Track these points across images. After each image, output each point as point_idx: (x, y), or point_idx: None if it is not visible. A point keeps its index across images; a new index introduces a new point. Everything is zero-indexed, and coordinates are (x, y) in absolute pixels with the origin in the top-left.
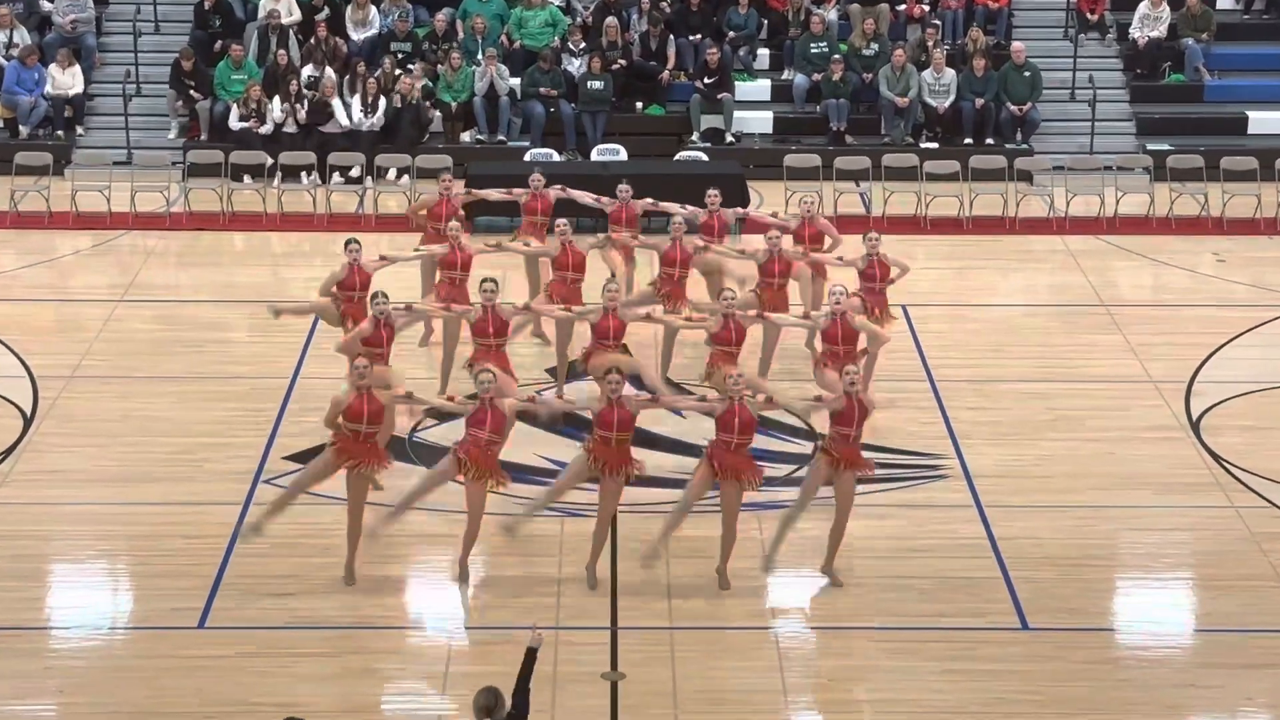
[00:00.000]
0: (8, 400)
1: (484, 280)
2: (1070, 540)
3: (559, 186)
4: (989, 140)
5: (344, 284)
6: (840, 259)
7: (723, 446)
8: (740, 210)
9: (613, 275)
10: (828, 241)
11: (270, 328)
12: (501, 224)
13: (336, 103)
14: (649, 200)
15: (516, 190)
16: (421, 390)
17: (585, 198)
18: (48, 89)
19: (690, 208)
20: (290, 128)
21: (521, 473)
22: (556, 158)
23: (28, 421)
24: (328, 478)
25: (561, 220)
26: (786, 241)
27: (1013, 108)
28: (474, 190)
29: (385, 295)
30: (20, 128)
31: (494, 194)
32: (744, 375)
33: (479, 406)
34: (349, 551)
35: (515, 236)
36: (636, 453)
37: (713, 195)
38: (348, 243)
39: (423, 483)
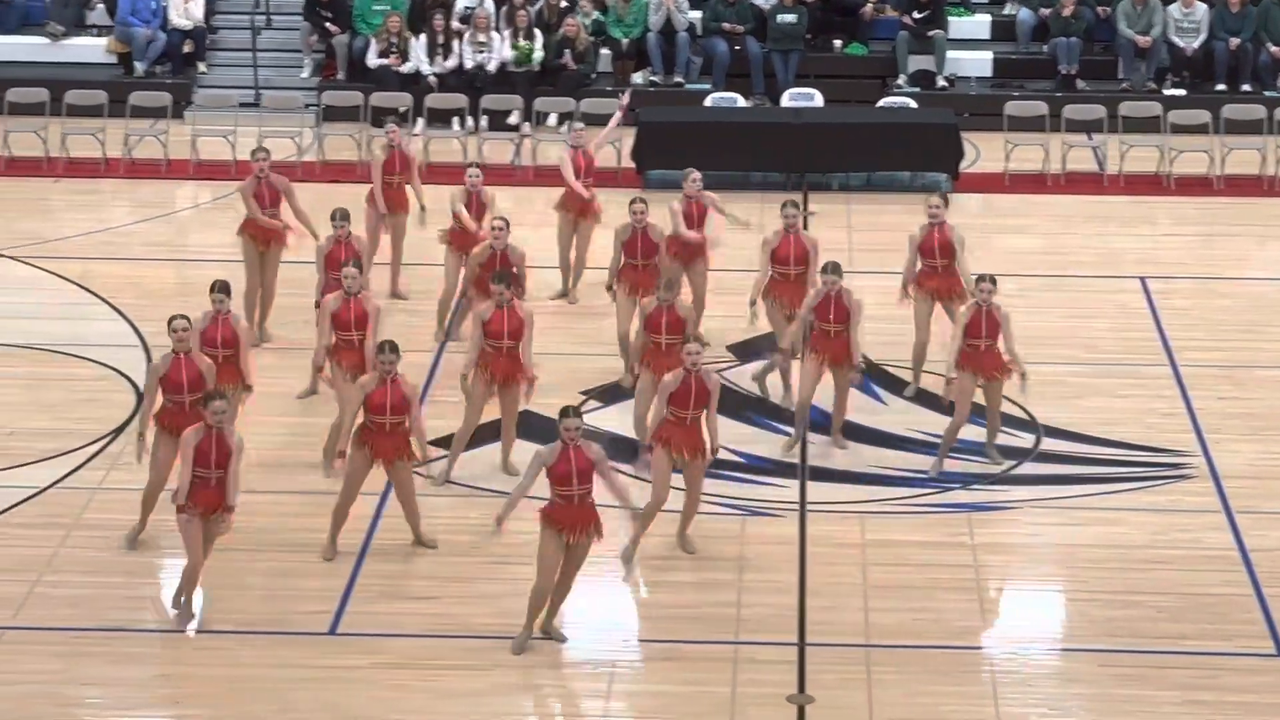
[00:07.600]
0: (119, 373)
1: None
2: None
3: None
4: (1245, 86)
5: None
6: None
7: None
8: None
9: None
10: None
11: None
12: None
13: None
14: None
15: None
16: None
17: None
18: (167, 20)
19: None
20: (437, 68)
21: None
22: (742, 103)
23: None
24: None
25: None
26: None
27: (1274, 49)
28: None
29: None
30: (135, 64)
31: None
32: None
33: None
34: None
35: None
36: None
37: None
38: (334, 212)
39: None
